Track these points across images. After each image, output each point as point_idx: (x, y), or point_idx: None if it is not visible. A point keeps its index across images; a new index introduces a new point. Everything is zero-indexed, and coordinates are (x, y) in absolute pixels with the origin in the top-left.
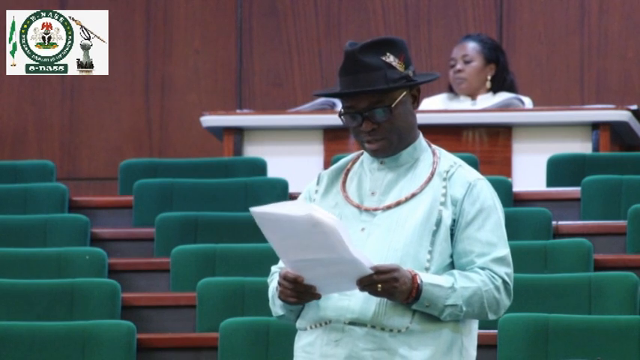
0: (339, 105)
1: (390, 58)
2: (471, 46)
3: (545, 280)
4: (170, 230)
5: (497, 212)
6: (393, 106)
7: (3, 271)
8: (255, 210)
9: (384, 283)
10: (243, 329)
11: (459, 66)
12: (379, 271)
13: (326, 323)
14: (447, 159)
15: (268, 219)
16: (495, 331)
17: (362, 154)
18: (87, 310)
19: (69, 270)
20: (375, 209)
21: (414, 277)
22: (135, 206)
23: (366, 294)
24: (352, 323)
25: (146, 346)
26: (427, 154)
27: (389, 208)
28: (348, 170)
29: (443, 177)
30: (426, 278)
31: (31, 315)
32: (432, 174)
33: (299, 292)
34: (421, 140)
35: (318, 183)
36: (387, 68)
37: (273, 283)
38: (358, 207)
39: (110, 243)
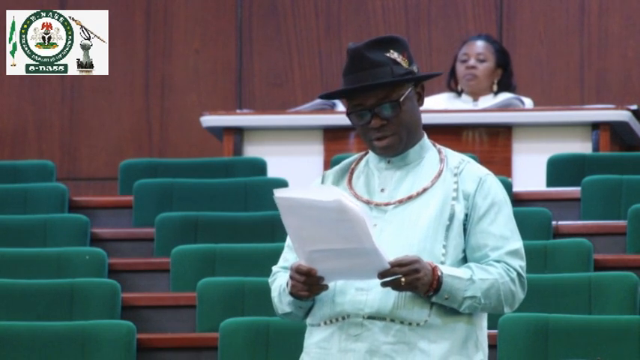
0: (339, 105)
1: (394, 55)
2: (486, 47)
3: (545, 280)
4: (170, 230)
5: (507, 206)
6: (401, 100)
7: (3, 271)
8: (279, 194)
9: (407, 275)
10: (243, 329)
11: (472, 62)
12: (400, 264)
13: (343, 318)
14: (455, 156)
15: (291, 204)
16: (495, 331)
17: (365, 154)
18: (87, 310)
19: (69, 270)
20: (387, 204)
21: (434, 269)
22: (135, 206)
23: (382, 287)
24: (371, 317)
25: (146, 346)
26: (433, 153)
27: (401, 202)
28: (353, 170)
29: (454, 172)
30: (445, 270)
31: (31, 315)
32: (442, 169)
33: (311, 285)
34: (426, 139)
35: (322, 182)
36: (392, 64)
37: (278, 282)
38: (368, 202)
39: (110, 243)
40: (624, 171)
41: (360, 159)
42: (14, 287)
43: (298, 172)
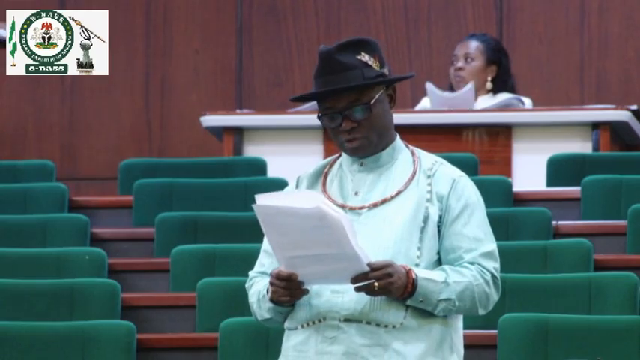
0: None
1: (366, 57)
2: (475, 46)
3: (545, 280)
4: (170, 230)
5: (481, 208)
6: (372, 103)
7: (3, 271)
8: (259, 203)
9: (380, 280)
10: (243, 329)
11: (459, 64)
12: (373, 268)
13: (319, 321)
14: (428, 157)
15: (271, 213)
16: (495, 331)
17: (339, 157)
18: (87, 310)
19: (69, 270)
20: (361, 208)
21: (408, 272)
22: (135, 206)
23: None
24: (347, 320)
25: (146, 346)
26: (406, 154)
27: (375, 206)
28: (327, 173)
29: (427, 174)
30: (420, 273)
31: (31, 315)
32: (415, 172)
33: (292, 290)
34: (399, 141)
35: (297, 186)
36: (363, 67)
37: (255, 287)
38: (342, 206)
39: (110, 243)
40: (624, 171)
41: (334, 162)
42: (14, 287)
43: (298, 172)
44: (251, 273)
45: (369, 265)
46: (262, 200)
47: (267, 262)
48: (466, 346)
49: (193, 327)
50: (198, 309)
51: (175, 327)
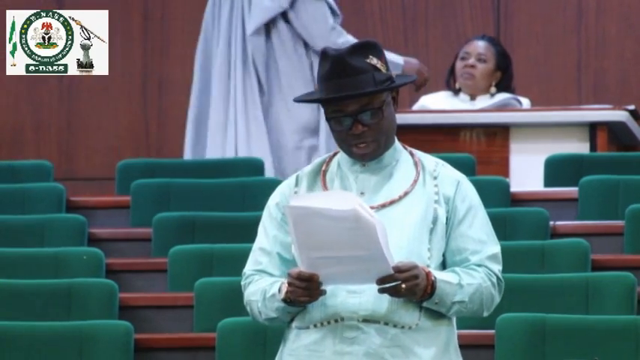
0: None
1: (374, 61)
2: (488, 47)
3: (542, 281)
4: (168, 230)
5: (482, 210)
6: (383, 107)
7: (1, 272)
8: (294, 204)
9: (407, 281)
10: (241, 329)
11: (472, 61)
12: (400, 270)
13: (336, 321)
14: (429, 159)
15: (304, 213)
16: (493, 331)
17: (334, 155)
18: (84, 310)
19: (66, 270)
20: (370, 208)
21: (427, 273)
22: (132, 206)
23: (375, 290)
24: (366, 320)
25: (144, 347)
26: (406, 156)
27: (383, 206)
28: (325, 172)
29: (433, 176)
30: (437, 275)
31: (28, 315)
32: (419, 173)
33: (311, 290)
34: (397, 142)
35: (297, 184)
36: (373, 70)
37: (257, 285)
38: None
39: (108, 243)
40: (622, 171)
41: (330, 160)
42: (12, 287)
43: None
44: (247, 271)
45: (394, 267)
46: (297, 201)
47: (264, 261)
48: (464, 346)
49: (191, 327)
50: (195, 309)
51: (173, 327)
